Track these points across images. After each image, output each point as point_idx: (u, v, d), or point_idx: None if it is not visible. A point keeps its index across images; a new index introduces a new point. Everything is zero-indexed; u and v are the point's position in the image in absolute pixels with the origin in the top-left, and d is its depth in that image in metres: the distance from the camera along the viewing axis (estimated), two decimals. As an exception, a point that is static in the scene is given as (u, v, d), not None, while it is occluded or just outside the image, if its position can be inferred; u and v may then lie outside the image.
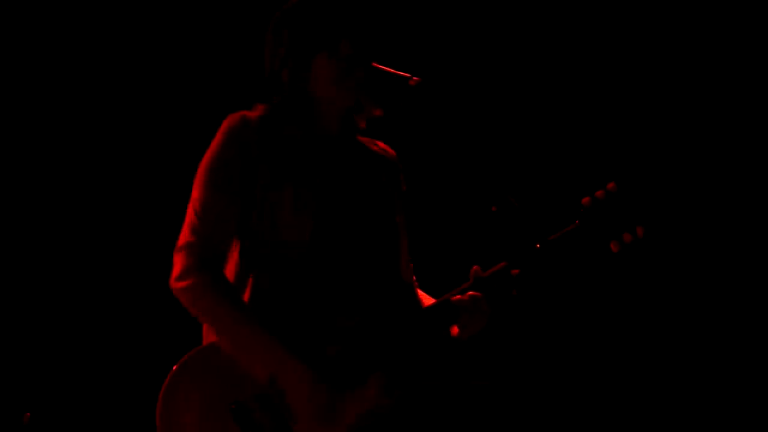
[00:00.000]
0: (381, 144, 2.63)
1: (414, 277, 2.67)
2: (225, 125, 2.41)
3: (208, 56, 4.37)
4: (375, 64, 2.41)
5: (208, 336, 2.39)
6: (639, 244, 2.34)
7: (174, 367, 2.30)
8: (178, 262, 2.34)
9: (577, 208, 2.37)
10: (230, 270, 2.41)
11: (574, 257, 2.37)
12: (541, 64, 4.31)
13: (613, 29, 4.28)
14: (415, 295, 2.64)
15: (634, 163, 4.03)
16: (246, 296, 2.37)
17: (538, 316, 4.09)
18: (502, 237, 2.40)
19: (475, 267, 2.39)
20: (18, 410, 4.13)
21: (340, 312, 2.35)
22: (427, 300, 2.62)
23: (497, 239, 2.44)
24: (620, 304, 4.28)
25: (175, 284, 2.34)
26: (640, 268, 4.10)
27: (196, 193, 2.38)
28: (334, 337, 2.32)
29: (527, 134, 4.24)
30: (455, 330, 2.40)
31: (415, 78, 2.37)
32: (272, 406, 2.26)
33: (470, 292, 2.36)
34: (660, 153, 4.12)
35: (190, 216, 2.37)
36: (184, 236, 2.36)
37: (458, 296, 2.36)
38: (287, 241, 2.36)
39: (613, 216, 2.35)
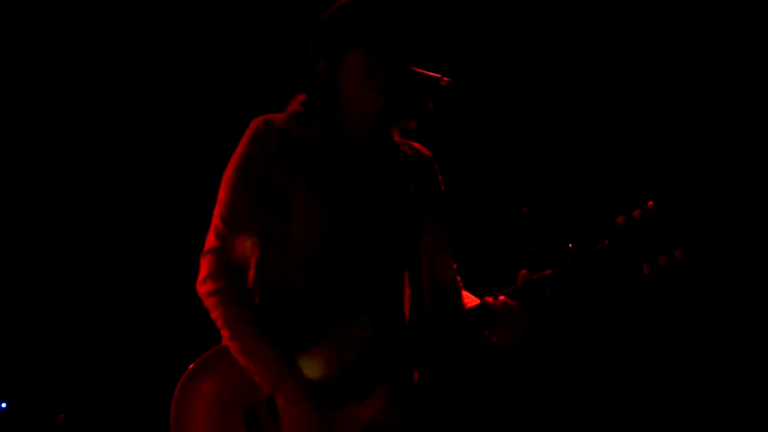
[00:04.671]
0: (416, 145, 2.61)
1: (459, 278, 2.63)
2: (249, 130, 2.43)
3: (241, 55, 4.41)
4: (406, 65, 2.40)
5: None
6: (675, 267, 2.24)
7: (191, 366, 2.34)
8: (205, 266, 2.37)
9: (611, 216, 2.31)
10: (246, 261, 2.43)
11: (603, 274, 2.30)
12: (580, 64, 4.30)
13: (660, 44, 4.28)
14: (454, 296, 2.60)
15: (673, 182, 3.99)
16: (260, 293, 2.40)
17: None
18: (534, 237, 2.38)
19: (523, 271, 2.35)
20: (50, 412, 4.18)
21: (350, 318, 2.33)
22: (471, 301, 2.57)
23: (529, 239, 2.41)
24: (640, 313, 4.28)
25: (200, 287, 2.38)
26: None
27: (221, 197, 2.41)
28: (346, 346, 2.31)
29: (559, 136, 4.23)
30: (494, 337, 2.37)
31: (445, 78, 2.36)
32: (275, 420, 2.28)
33: (502, 298, 2.33)
34: (702, 174, 4.07)
35: (216, 220, 2.40)
36: (211, 240, 2.39)
37: (492, 300, 2.33)
38: (297, 245, 2.37)
39: (648, 237, 2.25)
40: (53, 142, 4.42)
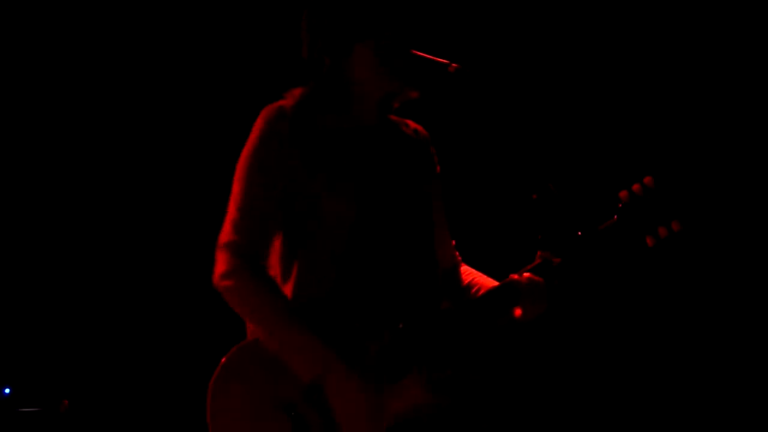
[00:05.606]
0: (412, 124, 2.60)
1: (457, 253, 2.65)
2: (261, 119, 2.39)
3: (235, 45, 4.41)
4: (414, 51, 2.39)
5: (254, 330, 2.37)
6: (674, 238, 2.33)
7: (222, 360, 2.29)
8: (222, 261, 2.32)
9: (610, 201, 2.36)
10: (274, 260, 2.40)
11: (612, 251, 2.35)
12: (582, 54, 4.31)
13: (656, 24, 4.29)
14: (457, 274, 2.62)
15: (668, 158, 4.02)
16: (290, 287, 2.36)
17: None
18: (542, 224, 2.38)
19: (539, 252, 2.40)
20: (56, 398, 4.19)
21: (382, 302, 2.32)
22: (470, 274, 2.61)
23: (537, 226, 2.41)
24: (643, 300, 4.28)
25: (220, 282, 2.32)
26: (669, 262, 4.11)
27: (236, 189, 2.37)
28: (377, 332, 2.30)
29: (564, 122, 4.24)
30: (518, 312, 2.38)
31: (454, 65, 2.35)
32: (320, 406, 2.24)
33: (527, 275, 2.36)
34: (696, 148, 4.12)
35: (231, 213, 2.35)
36: (226, 234, 2.34)
37: (518, 277, 2.36)
38: (328, 231, 2.34)
39: (649, 210, 2.33)
40: (61, 138, 4.43)
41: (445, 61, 2.36)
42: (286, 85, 2.49)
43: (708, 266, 4.22)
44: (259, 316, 2.29)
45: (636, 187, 2.34)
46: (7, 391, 3.99)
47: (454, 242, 2.65)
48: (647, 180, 2.34)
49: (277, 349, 2.27)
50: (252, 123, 2.41)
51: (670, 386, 4.32)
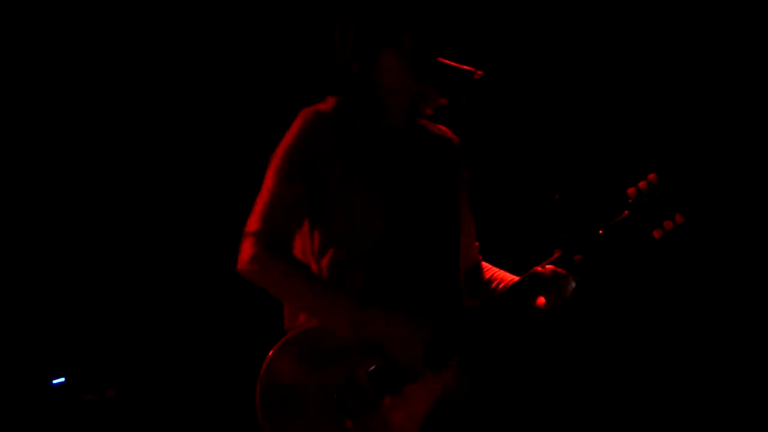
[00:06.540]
0: (442, 128, 2.71)
1: (479, 255, 2.77)
2: (299, 120, 2.49)
3: (274, 50, 4.49)
4: (440, 59, 2.50)
5: (291, 318, 2.51)
6: (678, 230, 2.47)
7: (270, 353, 2.39)
8: (247, 248, 2.42)
9: (619, 198, 2.50)
10: (308, 258, 2.51)
11: (623, 243, 2.50)
12: (588, 66, 4.38)
13: (660, 32, 4.34)
14: (480, 270, 2.75)
15: (669, 156, 4.10)
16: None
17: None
18: (565, 223, 2.50)
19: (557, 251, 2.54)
20: (103, 387, 4.32)
21: (409, 298, 2.44)
22: (489, 269, 2.74)
23: (559, 225, 2.53)
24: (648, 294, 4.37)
25: (248, 266, 2.41)
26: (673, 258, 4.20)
27: (268, 183, 2.47)
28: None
29: (577, 126, 4.30)
30: (542, 300, 2.52)
31: (479, 72, 2.46)
32: (375, 379, 2.36)
33: (550, 266, 2.50)
34: (695, 147, 4.18)
35: (260, 203, 2.46)
36: (254, 223, 2.43)
37: (541, 269, 2.50)
38: (358, 230, 2.46)
39: (655, 205, 2.48)
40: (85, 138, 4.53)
41: (470, 68, 2.47)
42: (319, 93, 2.61)
43: (709, 258, 4.29)
44: (294, 291, 2.41)
45: (642, 183, 2.49)
46: (60, 380, 4.13)
47: (477, 243, 2.76)
48: (652, 177, 2.49)
49: (319, 318, 2.39)
50: (275, 124, 2.54)
51: (673, 377, 4.37)
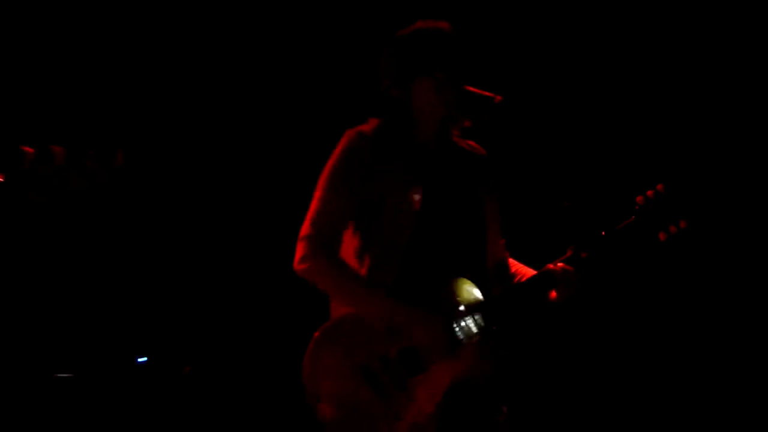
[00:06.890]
0: (471, 143, 3.11)
1: (506, 252, 3.16)
2: (345, 140, 2.92)
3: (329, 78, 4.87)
4: (466, 87, 2.92)
5: (335, 309, 2.93)
6: (682, 234, 2.81)
7: (315, 334, 2.83)
8: (301, 249, 2.85)
9: (629, 204, 2.85)
10: (350, 256, 2.92)
11: (630, 245, 2.85)
12: (596, 79, 4.63)
13: (667, 46, 4.56)
14: (506, 264, 3.13)
15: (676, 167, 4.34)
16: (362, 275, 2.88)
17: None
18: (573, 226, 2.92)
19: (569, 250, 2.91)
20: (180, 364, 4.73)
21: (440, 289, 2.85)
22: (515, 265, 3.12)
23: (569, 228, 2.95)
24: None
25: (299, 266, 2.83)
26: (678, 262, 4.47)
27: (318, 194, 2.91)
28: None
29: (587, 142, 4.54)
30: (553, 294, 2.91)
31: (498, 97, 2.88)
32: (404, 358, 2.76)
33: (560, 264, 2.88)
34: (700, 158, 4.44)
35: (312, 212, 2.89)
36: (306, 228, 2.86)
37: (553, 267, 2.89)
38: (395, 231, 2.86)
39: (661, 211, 2.82)
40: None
41: (491, 94, 2.90)
42: (364, 116, 3.04)
43: (711, 261, 4.52)
44: (337, 285, 2.80)
45: (650, 192, 2.84)
46: (144, 359, 4.55)
47: (503, 241, 3.15)
48: (659, 187, 2.84)
49: (357, 308, 2.79)
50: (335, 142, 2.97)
51: (675, 371, 4.61)
